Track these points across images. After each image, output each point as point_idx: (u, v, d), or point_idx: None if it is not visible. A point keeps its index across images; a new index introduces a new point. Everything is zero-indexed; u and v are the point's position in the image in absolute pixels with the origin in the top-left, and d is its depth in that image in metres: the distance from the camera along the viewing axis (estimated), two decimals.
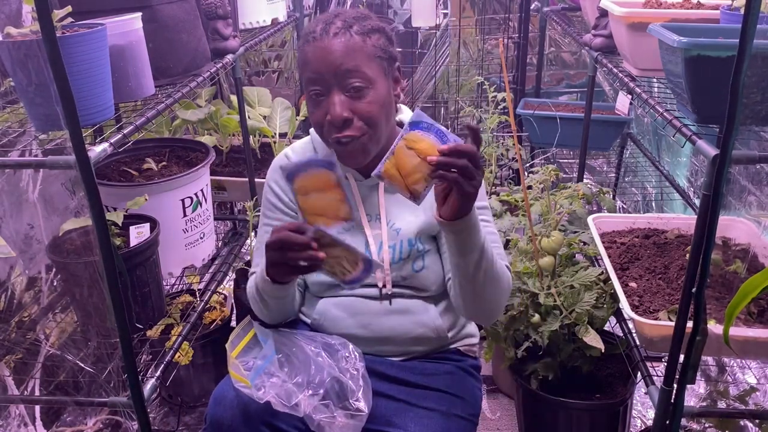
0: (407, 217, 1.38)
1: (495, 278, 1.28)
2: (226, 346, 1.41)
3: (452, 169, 1.09)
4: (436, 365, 1.43)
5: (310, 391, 1.25)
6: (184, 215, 1.87)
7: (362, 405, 1.26)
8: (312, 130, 1.42)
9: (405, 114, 1.45)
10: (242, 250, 2.48)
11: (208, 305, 2.11)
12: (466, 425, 1.38)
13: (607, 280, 1.82)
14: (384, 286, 1.38)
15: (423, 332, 1.41)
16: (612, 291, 1.79)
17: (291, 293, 1.39)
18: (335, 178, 1.17)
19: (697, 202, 2.33)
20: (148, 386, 1.48)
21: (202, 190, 1.93)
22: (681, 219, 1.96)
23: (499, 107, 2.72)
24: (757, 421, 1.57)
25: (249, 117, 2.36)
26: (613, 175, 3.02)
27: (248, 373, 1.30)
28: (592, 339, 1.72)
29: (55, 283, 1.94)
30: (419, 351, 1.43)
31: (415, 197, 1.13)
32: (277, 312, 1.41)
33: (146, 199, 1.70)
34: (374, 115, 1.26)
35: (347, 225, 1.32)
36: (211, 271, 2.24)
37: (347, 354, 1.33)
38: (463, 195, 1.12)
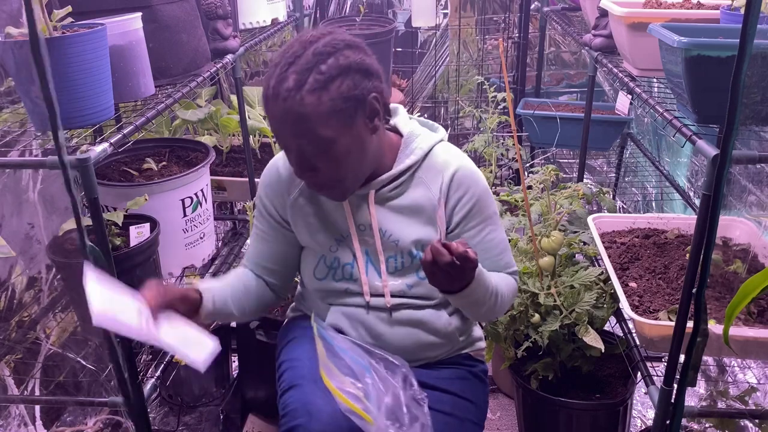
0: (405, 229, 1.34)
1: (499, 310, 1.35)
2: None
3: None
4: (450, 370, 1.42)
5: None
6: (184, 215, 1.87)
7: None
8: None
9: (401, 115, 1.40)
10: (242, 250, 2.48)
11: None
12: (477, 431, 1.38)
13: (607, 280, 1.82)
14: (375, 295, 1.35)
15: (435, 340, 1.39)
16: (612, 291, 1.79)
17: None
18: None
19: (697, 202, 2.33)
20: (148, 386, 1.48)
21: (202, 190, 1.93)
22: (681, 219, 1.96)
23: (499, 107, 2.72)
24: (757, 421, 1.57)
25: (249, 117, 2.36)
26: (613, 175, 3.02)
27: (355, 398, 1.21)
28: (592, 339, 1.72)
29: (55, 283, 1.94)
30: (431, 357, 1.41)
31: None
32: None
33: (146, 199, 1.70)
34: (340, 171, 1.22)
35: (340, 237, 1.34)
36: (211, 271, 2.24)
37: (405, 370, 1.28)
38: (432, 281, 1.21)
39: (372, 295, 1.35)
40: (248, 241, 1.50)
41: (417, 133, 1.35)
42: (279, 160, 1.40)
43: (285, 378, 1.35)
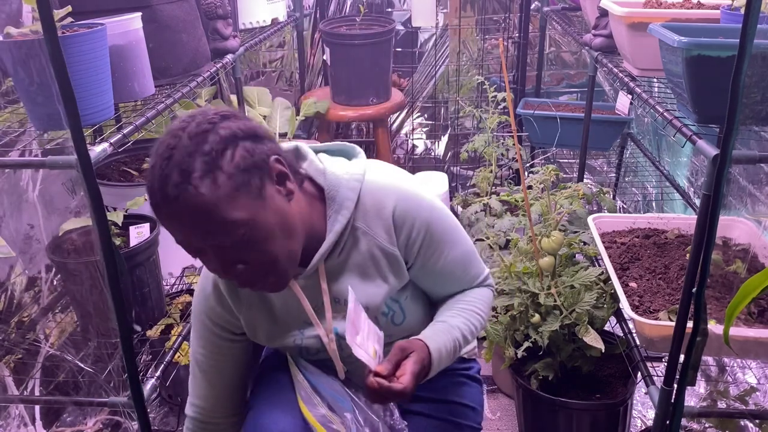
0: (368, 290, 1.18)
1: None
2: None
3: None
4: (446, 378, 1.38)
5: None
6: None
7: None
8: None
9: (309, 158, 1.17)
10: None
11: None
12: None
13: (607, 280, 1.82)
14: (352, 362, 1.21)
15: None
16: (612, 291, 1.79)
17: None
18: None
19: (697, 202, 2.33)
20: (148, 386, 1.48)
21: None
22: (681, 219, 1.96)
23: (499, 107, 2.72)
24: (757, 421, 1.57)
25: (249, 117, 2.36)
26: (613, 175, 3.02)
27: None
28: (593, 339, 1.72)
29: (55, 283, 1.94)
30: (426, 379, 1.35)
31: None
32: None
33: (146, 199, 1.69)
34: (271, 254, 1.03)
35: (303, 325, 1.23)
36: None
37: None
38: None
39: (347, 363, 1.26)
40: (192, 374, 1.31)
41: (337, 178, 1.14)
42: (210, 275, 1.21)
43: (250, 397, 1.34)
